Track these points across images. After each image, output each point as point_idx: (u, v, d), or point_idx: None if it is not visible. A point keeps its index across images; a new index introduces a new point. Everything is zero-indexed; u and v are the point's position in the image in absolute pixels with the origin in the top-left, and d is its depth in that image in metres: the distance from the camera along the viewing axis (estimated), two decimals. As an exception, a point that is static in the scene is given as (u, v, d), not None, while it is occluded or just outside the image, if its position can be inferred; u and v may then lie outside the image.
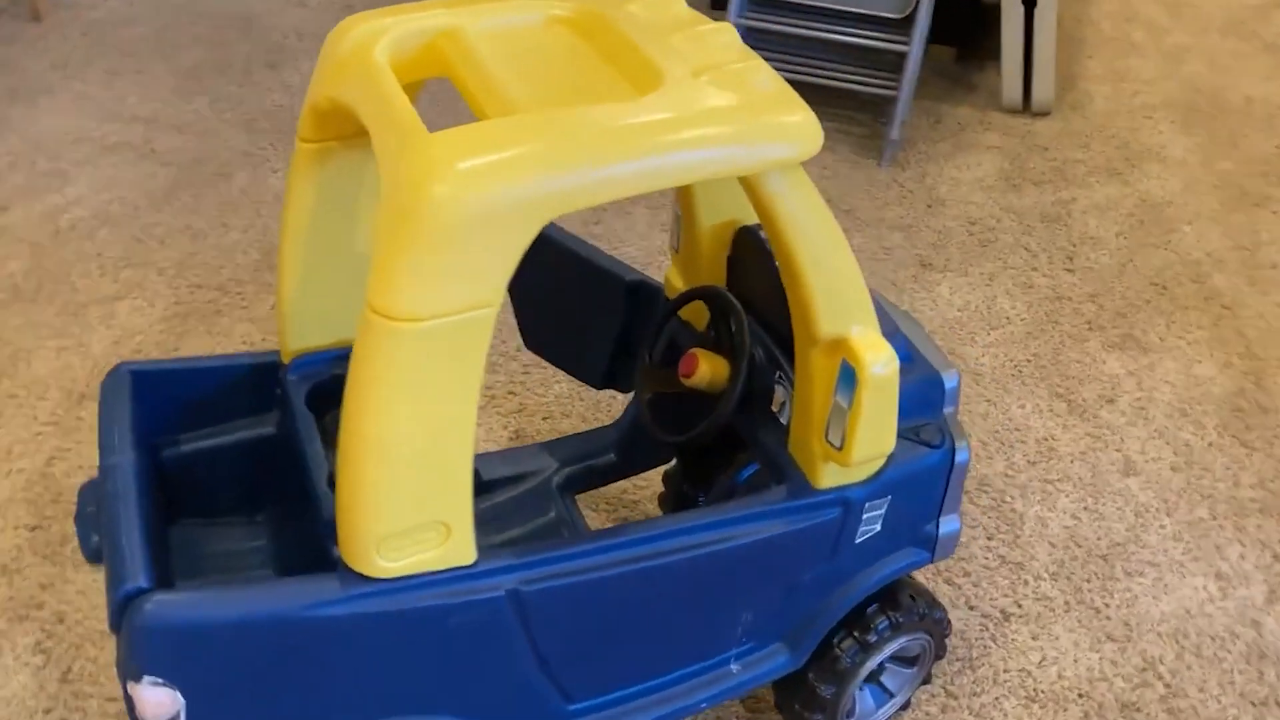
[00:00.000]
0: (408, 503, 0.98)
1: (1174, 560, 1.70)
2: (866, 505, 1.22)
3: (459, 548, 1.03)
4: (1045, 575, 1.66)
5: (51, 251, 2.18)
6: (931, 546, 1.30)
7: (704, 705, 1.26)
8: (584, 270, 1.44)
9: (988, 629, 1.58)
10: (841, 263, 1.06)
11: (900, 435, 1.24)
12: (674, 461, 1.58)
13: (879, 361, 1.09)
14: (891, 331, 1.29)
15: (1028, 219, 2.43)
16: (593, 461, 1.47)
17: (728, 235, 1.32)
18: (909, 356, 1.28)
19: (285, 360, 1.24)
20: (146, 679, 0.98)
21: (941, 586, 1.63)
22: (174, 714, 1.01)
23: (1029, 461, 1.84)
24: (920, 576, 1.64)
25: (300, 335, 1.22)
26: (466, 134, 0.91)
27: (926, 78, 2.89)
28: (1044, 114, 2.80)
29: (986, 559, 1.68)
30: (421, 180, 0.87)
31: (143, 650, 0.98)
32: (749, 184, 1.00)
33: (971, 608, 1.61)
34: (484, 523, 1.42)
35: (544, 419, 1.87)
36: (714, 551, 1.16)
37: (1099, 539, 1.72)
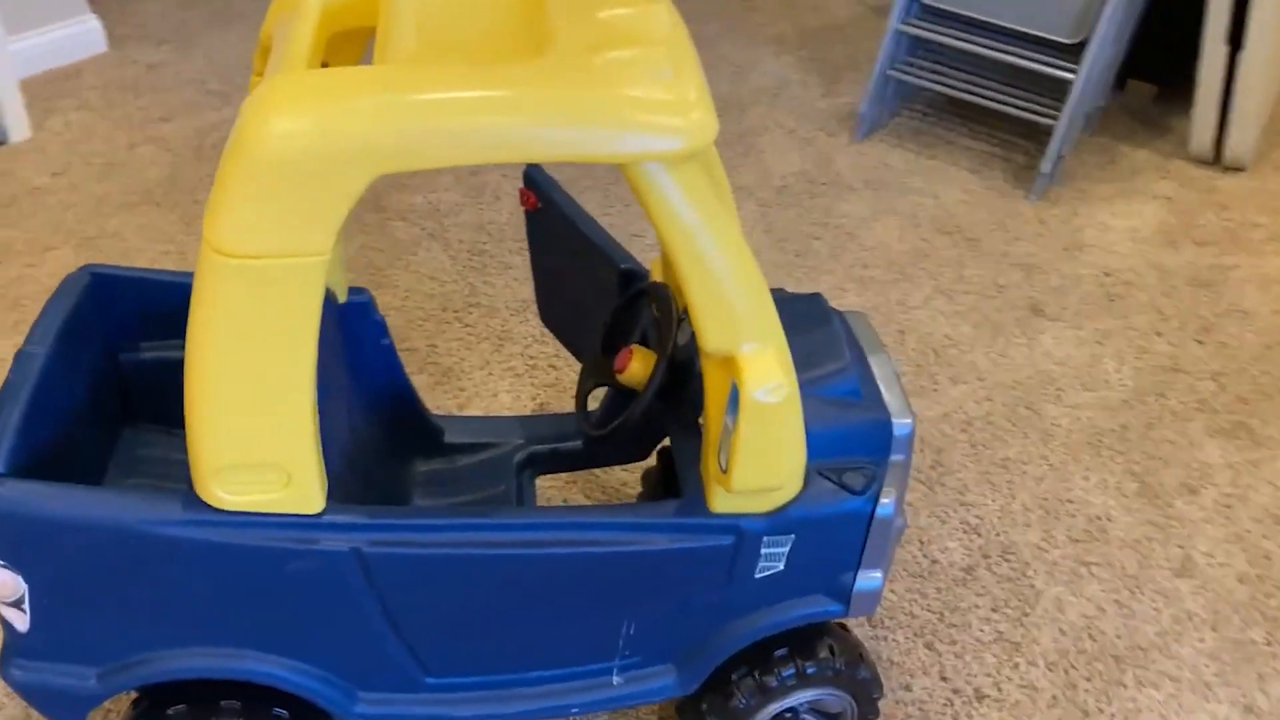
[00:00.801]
0: (236, 439, 0.99)
1: (1201, 679, 1.50)
2: (765, 539, 1.13)
3: (302, 495, 1.03)
4: (1041, 662, 1.51)
5: (189, 164, 2.33)
6: (846, 600, 1.20)
7: (576, 710, 1.21)
8: (585, 250, 1.41)
9: (952, 705, 1.45)
10: (733, 273, 0.99)
11: (822, 473, 1.15)
12: (656, 462, 1.53)
13: (762, 387, 1.01)
14: (843, 365, 1.20)
15: (1173, 279, 2.20)
16: (558, 445, 1.44)
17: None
18: (857, 392, 1.19)
19: None
20: (-14, 554, 1.04)
21: (919, 650, 1.51)
22: (18, 596, 1.06)
23: (1070, 538, 1.67)
24: (901, 637, 1.52)
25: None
26: (319, 77, 0.90)
27: (1114, 114, 2.67)
28: (1237, 169, 2.53)
29: (981, 631, 1.54)
30: (255, 114, 0.86)
31: None
32: (625, 174, 0.94)
33: (944, 679, 1.48)
34: (435, 484, 1.43)
35: (573, 398, 1.85)
36: (589, 554, 1.11)
37: (1119, 637, 1.54)
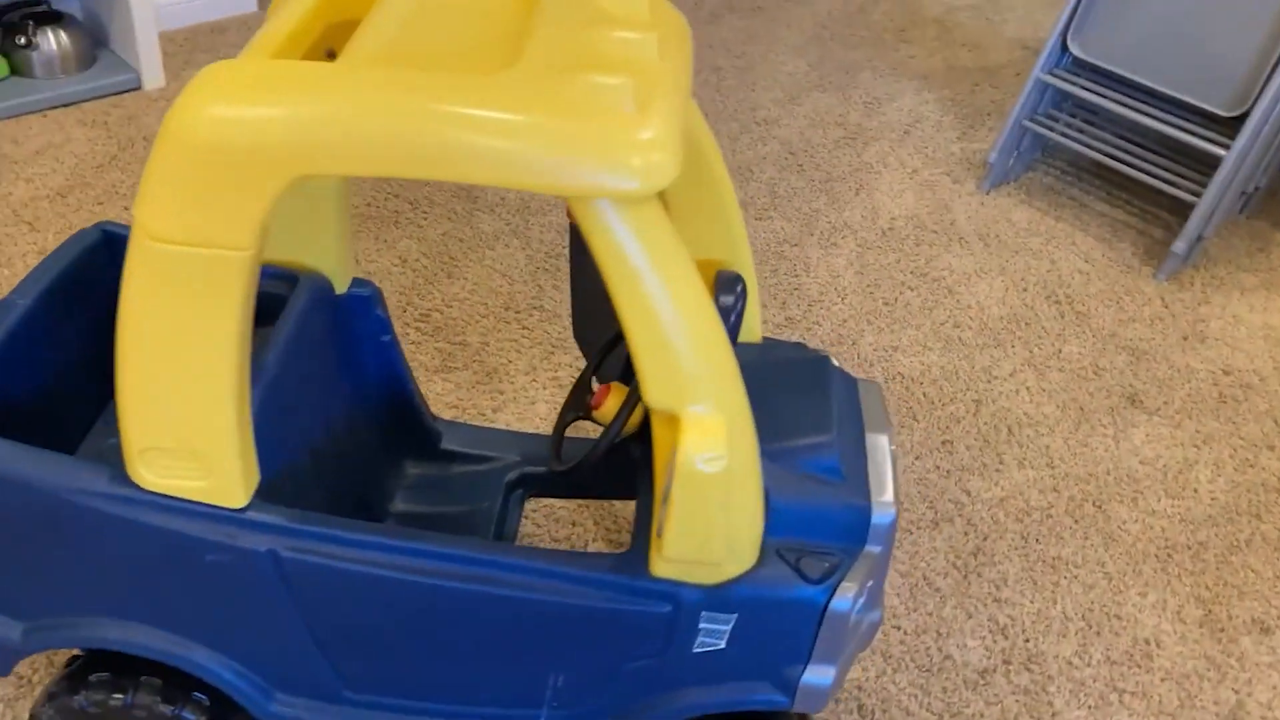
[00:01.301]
0: (156, 423, 0.97)
1: (1220, 845, 1.34)
2: (704, 614, 1.05)
3: (224, 488, 1.01)
4: (1038, 792, 1.37)
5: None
6: (792, 693, 1.10)
7: (495, 753, 1.16)
8: None
9: (926, 819, 1.33)
10: (684, 327, 0.91)
11: (781, 553, 1.06)
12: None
13: (700, 455, 0.93)
14: (825, 440, 1.10)
15: (1301, 389, 1.98)
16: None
17: (706, 276, 1.18)
18: (836, 470, 1.09)
19: None
20: (-72, 500, 1.05)
21: (906, 751, 1.39)
22: (-48, 542, 1.07)
23: (1108, 658, 1.52)
24: (890, 730, 1.41)
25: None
26: (261, 67, 0.87)
27: (1278, 197, 2.44)
28: (1407, 277, 2.27)
29: (980, 744, 1.41)
30: (186, 97, 0.84)
31: None
32: (570, 207, 0.88)
33: (925, 789, 1.36)
34: (421, 489, 1.40)
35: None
36: (518, 597, 1.05)
37: (1136, 780, 1.39)
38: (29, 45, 2.35)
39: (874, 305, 2.07)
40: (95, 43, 2.47)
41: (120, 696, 1.12)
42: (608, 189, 0.84)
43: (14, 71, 2.37)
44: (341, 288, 1.27)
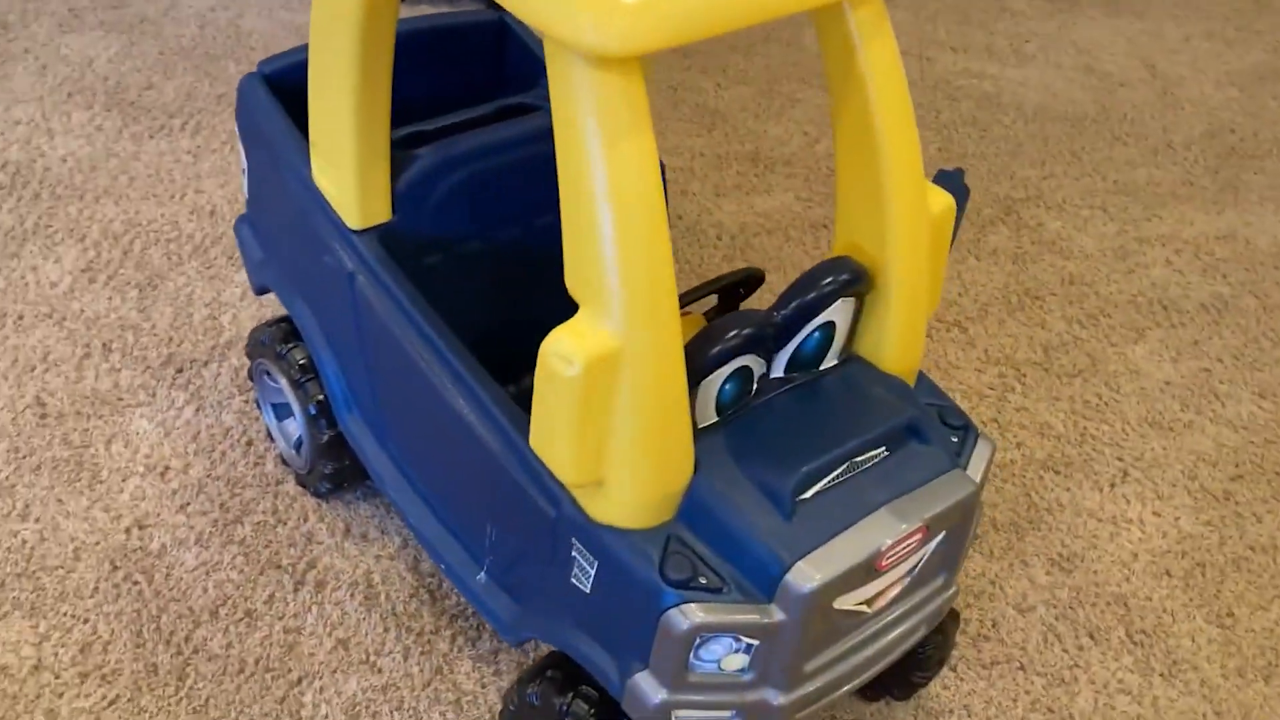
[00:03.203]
0: (316, 121, 1.15)
1: None
2: (574, 542, 0.97)
3: (344, 205, 1.16)
4: None
5: None
6: (622, 684, 0.97)
7: (444, 571, 1.19)
8: None
9: None
10: (607, 219, 0.82)
11: (670, 539, 0.95)
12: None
13: (556, 349, 0.86)
14: (789, 472, 0.93)
15: None
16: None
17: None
18: (782, 505, 0.93)
19: None
20: (238, 128, 1.35)
21: None
22: (243, 167, 1.37)
23: None
24: None
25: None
26: None
27: None
28: None
29: None
30: None
31: (238, 100, 1.33)
32: (545, 51, 0.84)
33: None
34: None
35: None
36: (474, 432, 1.07)
37: None
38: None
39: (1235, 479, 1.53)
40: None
41: (283, 346, 1.34)
42: (560, 34, 0.80)
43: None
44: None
